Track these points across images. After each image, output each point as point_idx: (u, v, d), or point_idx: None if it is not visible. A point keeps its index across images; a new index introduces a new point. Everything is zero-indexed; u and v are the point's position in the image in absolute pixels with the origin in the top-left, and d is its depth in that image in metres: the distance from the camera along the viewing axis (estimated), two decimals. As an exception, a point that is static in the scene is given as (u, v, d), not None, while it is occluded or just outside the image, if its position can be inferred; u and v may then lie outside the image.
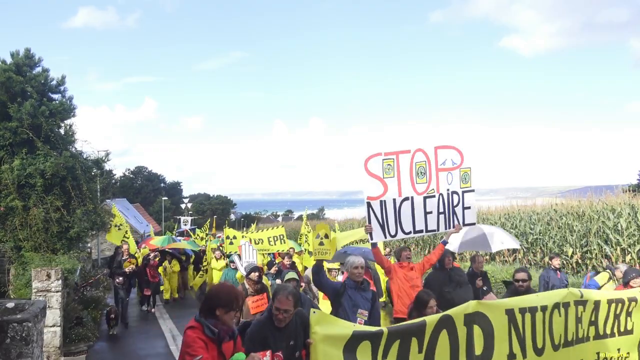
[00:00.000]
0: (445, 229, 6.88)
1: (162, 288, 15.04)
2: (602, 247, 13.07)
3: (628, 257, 12.49)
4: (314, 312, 3.78)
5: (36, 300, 4.44)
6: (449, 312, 4.05)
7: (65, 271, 9.21)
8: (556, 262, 9.19)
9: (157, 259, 14.04)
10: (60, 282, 8.57)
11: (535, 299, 4.56)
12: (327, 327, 3.72)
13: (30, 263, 9.49)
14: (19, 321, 3.34)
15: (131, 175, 67.51)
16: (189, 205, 60.15)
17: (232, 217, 72.70)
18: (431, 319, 3.98)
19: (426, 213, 6.70)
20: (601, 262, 12.95)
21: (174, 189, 72.43)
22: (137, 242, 17.17)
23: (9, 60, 11.43)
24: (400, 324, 4.10)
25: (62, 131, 11.61)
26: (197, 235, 24.40)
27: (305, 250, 13.59)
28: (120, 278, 11.70)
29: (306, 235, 14.09)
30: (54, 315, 8.40)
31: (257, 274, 7.18)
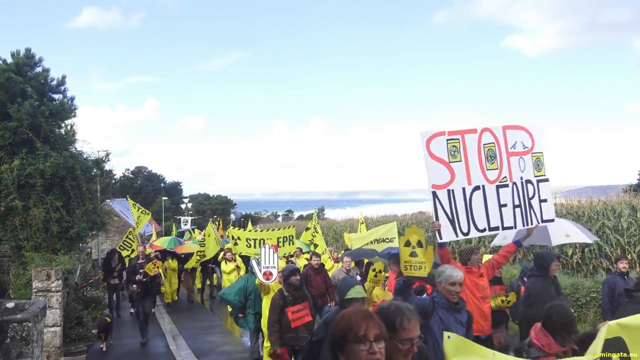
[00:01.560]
0: (523, 225, 5.76)
1: (162, 289, 15.02)
2: (602, 247, 13.06)
3: (628, 257, 12.49)
4: (449, 336, 2.93)
5: (36, 300, 4.43)
6: (593, 345, 3.06)
7: (65, 271, 9.21)
8: (622, 265, 7.59)
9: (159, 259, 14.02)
10: (60, 282, 8.56)
11: None
12: (467, 358, 2.90)
13: (31, 263, 9.48)
14: (19, 321, 3.34)
15: (131, 175, 67.48)
16: (189, 205, 60.19)
17: (232, 217, 72.69)
18: None
19: (501, 206, 5.60)
20: (601, 262, 12.95)
21: (174, 189, 72.44)
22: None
23: (9, 59, 11.44)
24: None
25: (62, 131, 11.61)
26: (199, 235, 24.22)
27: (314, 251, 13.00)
28: (135, 286, 10.41)
29: (313, 234, 13.63)
30: (54, 315, 8.39)
31: (297, 277, 6.14)
